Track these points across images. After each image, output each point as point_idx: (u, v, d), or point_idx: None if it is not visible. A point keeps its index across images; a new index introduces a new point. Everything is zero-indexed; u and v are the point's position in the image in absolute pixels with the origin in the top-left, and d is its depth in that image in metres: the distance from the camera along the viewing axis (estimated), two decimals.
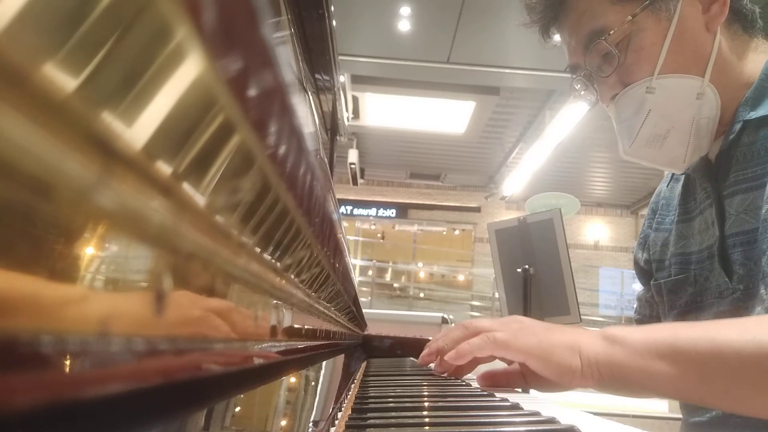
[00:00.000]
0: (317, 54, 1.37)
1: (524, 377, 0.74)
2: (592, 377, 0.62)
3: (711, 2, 0.77)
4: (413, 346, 1.53)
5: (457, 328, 0.79)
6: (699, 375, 0.56)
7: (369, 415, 0.51)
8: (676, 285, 0.87)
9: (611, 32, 0.77)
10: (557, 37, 0.88)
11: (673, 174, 0.95)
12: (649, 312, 0.99)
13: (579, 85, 0.85)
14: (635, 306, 1.04)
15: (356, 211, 10.91)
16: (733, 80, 0.78)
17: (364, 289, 8.77)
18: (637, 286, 1.04)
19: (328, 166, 1.83)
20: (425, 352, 0.83)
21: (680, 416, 0.92)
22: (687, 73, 0.77)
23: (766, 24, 0.83)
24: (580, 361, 0.63)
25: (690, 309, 0.85)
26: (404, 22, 5.11)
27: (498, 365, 0.79)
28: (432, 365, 0.86)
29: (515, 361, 0.72)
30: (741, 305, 0.74)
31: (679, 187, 0.92)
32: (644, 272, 0.99)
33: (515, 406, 0.56)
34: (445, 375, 0.82)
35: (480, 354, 0.73)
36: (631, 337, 0.61)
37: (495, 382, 0.79)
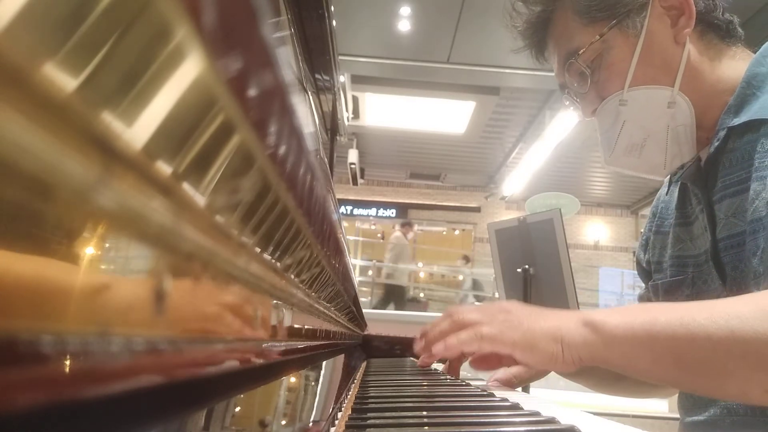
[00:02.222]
0: (317, 54, 1.37)
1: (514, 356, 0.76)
2: (573, 363, 0.66)
3: (678, 17, 0.80)
4: (413, 346, 1.52)
5: (443, 318, 0.81)
6: (674, 360, 0.59)
7: (369, 415, 0.51)
8: (672, 286, 0.89)
9: (581, 52, 0.82)
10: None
11: (671, 179, 0.97)
12: None
13: (568, 102, 0.92)
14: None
15: (356, 211, 10.90)
16: (709, 87, 0.81)
17: (364, 289, 8.75)
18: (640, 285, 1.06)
19: (328, 166, 1.83)
20: (422, 353, 0.84)
21: (679, 416, 0.92)
22: (656, 84, 0.81)
23: (751, 33, 0.85)
24: (561, 349, 0.66)
25: None
26: (404, 22, 5.11)
27: None
28: (432, 365, 0.88)
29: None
30: None
31: (677, 191, 0.94)
32: (645, 272, 1.01)
33: (515, 406, 0.56)
34: (441, 372, 0.83)
35: (467, 349, 0.76)
36: (610, 322, 0.64)
37: (488, 363, 0.82)
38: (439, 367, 1.09)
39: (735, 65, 0.81)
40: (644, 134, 0.83)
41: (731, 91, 0.79)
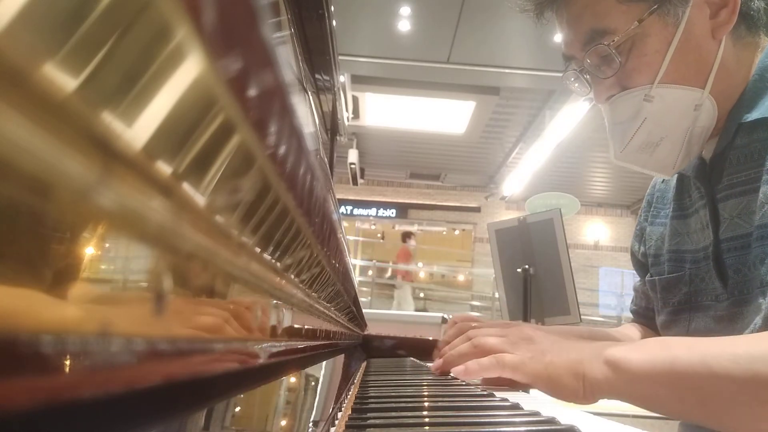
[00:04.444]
0: (317, 54, 1.37)
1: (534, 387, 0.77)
2: (593, 398, 0.66)
3: (720, 7, 0.74)
4: (413, 346, 1.53)
5: (463, 339, 0.81)
6: (698, 401, 0.57)
7: (369, 415, 0.51)
8: (669, 283, 0.87)
9: (615, 38, 0.74)
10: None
11: None
12: (645, 304, 1.00)
13: (573, 78, 0.83)
14: (633, 297, 1.05)
15: (356, 211, 10.90)
16: (733, 84, 0.76)
17: (364, 289, 8.75)
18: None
19: (328, 166, 1.83)
20: (438, 362, 0.85)
21: None
22: (688, 84, 0.75)
23: None
24: (583, 387, 0.66)
25: (684, 308, 0.84)
26: (404, 22, 5.11)
27: None
28: (430, 365, 0.88)
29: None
30: (736, 311, 0.74)
31: (673, 180, 0.90)
32: (641, 264, 0.98)
33: (515, 406, 0.56)
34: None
35: (487, 375, 0.77)
36: (631, 361, 0.62)
37: (500, 383, 0.83)
38: None
39: (758, 58, 0.77)
40: (663, 134, 0.78)
41: (746, 85, 0.75)
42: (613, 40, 0.75)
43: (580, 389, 0.66)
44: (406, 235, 9.33)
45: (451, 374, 0.80)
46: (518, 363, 0.71)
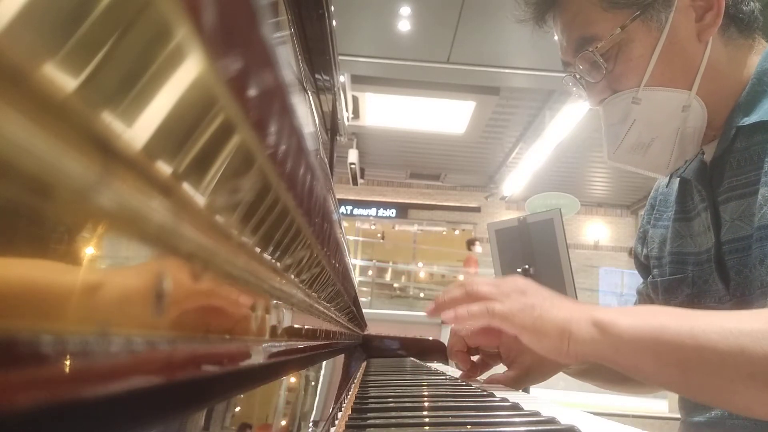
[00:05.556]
0: (317, 54, 1.37)
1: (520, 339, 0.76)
2: (576, 358, 0.66)
3: (705, 11, 0.76)
4: (413, 346, 1.53)
5: (458, 287, 0.81)
6: (680, 370, 0.57)
7: (369, 415, 0.51)
8: (672, 284, 0.88)
9: (599, 45, 0.77)
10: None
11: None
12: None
13: (570, 83, 0.86)
14: (635, 299, 1.05)
15: (356, 211, 10.90)
16: (726, 86, 0.77)
17: (364, 289, 8.75)
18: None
19: (328, 166, 1.83)
20: (431, 316, 0.85)
21: (680, 416, 0.92)
22: (674, 87, 0.77)
23: (766, 23, 0.81)
24: (568, 343, 0.66)
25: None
26: (404, 22, 5.10)
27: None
28: (432, 365, 0.88)
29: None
30: None
31: (676, 184, 0.91)
32: (644, 267, 0.99)
33: (515, 406, 0.56)
34: (443, 372, 0.84)
35: (476, 322, 0.76)
36: (619, 324, 0.62)
37: (487, 337, 0.85)
38: (446, 369, 1.09)
39: (752, 60, 0.78)
40: (653, 135, 0.80)
41: (743, 88, 0.76)
42: (597, 47, 0.78)
43: (565, 347, 0.66)
44: (471, 243, 9.33)
45: (442, 318, 0.80)
46: (507, 313, 0.71)
